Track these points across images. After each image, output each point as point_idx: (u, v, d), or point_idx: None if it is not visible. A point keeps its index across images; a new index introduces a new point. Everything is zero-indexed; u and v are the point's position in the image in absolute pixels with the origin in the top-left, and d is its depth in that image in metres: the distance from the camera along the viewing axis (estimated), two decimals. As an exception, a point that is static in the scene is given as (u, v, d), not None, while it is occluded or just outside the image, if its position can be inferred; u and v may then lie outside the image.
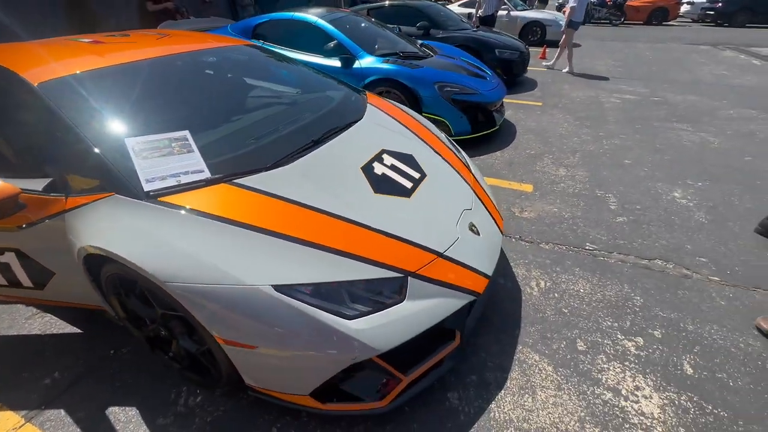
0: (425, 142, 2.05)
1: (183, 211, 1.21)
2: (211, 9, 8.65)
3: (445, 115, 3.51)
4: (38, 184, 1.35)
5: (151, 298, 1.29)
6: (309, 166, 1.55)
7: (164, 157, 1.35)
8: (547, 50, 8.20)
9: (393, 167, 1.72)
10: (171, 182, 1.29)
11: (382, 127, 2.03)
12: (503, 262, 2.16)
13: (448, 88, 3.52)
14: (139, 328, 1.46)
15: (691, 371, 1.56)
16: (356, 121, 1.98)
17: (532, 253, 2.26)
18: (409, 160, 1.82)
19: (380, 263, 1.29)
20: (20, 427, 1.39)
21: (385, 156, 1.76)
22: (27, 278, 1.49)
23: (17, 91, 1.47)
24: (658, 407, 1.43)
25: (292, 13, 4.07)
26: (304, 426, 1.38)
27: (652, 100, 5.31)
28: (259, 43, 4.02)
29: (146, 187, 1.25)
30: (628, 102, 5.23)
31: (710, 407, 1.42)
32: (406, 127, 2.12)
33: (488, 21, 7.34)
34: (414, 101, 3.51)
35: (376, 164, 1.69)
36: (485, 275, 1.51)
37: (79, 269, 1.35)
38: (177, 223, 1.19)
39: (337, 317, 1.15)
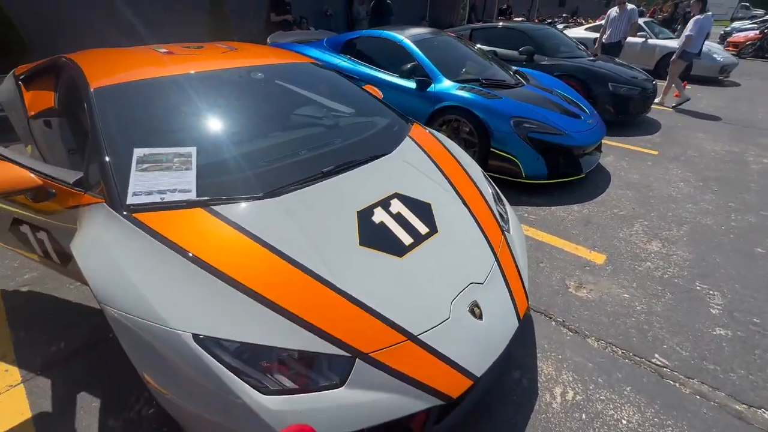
0: (456, 191, 1.77)
1: (145, 233, 1.20)
2: (331, 21, 9.39)
3: (516, 153, 3.10)
4: (74, 176, 1.50)
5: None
6: (299, 201, 1.43)
7: (162, 172, 1.38)
8: (687, 86, 6.86)
9: (398, 216, 1.50)
10: (155, 198, 1.30)
11: (410, 166, 1.81)
12: (526, 350, 1.75)
13: (527, 125, 3.10)
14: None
15: None
16: (383, 155, 1.81)
17: (571, 348, 1.79)
18: (423, 210, 1.58)
19: (327, 334, 1.10)
20: (15, 386, 1.56)
21: (394, 201, 1.56)
22: (55, 255, 1.68)
23: (83, 94, 1.67)
24: None
25: (381, 31, 4.09)
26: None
27: (830, 169, 3.96)
28: (344, 58, 4.13)
29: (129, 200, 1.28)
30: (788, 167, 3.99)
31: None
32: (440, 170, 1.86)
33: (612, 49, 6.42)
34: (485, 134, 3.18)
35: (378, 210, 1.49)
36: (471, 376, 1.20)
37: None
38: (135, 245, 1.18)
39: (253, 389, 1.00)
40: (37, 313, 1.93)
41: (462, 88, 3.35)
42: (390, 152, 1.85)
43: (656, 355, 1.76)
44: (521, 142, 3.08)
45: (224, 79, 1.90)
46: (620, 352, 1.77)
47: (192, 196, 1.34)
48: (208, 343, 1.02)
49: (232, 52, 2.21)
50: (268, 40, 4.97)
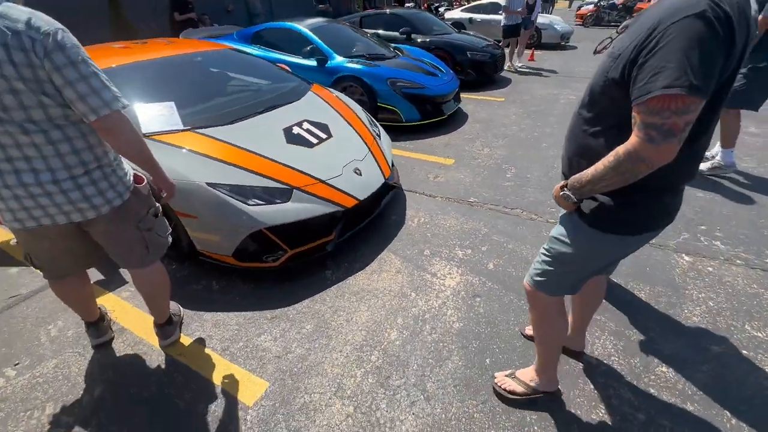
0: (345, 119, 2.90)
1: (164, 144, 2.13)
2: (231, 18, 9.86)
3: (396, 105, 4.33)
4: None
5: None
6: (248, 125, 2.44)
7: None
8: (535, 53, 8.83)
9: (307, 130, 2.59)
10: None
11: (312, 106, 2.90)
12: (399, 205, 2.97)
13: (400, 83, 4.34)
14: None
15: (492, 267, 2.32)
16: (294, 101, 2.86)
17: (426, 202, 3.05)
18: (323, 127, 2.68)
19: (276, 179, 2.16)
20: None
21: (304, 123, 2.63)
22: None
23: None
24: (454, 281, 2.21)
25: (282, 22, 5.02)
26: (231, 279, 2.26)
27: (607, 97, 5.87)
28: (256, 47, 5.00)
29: (144, 131, 2.18)
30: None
31: (489, 283, 2.19)
32: (333, 108, 2.98)
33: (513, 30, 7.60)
34: (371, 94, 4.35)
35: (295, 127, 2.56)
36: (356, 198, 2.34)
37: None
38: (162, 150, 2.10)
39: (243, 204, 2.03)
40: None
41: (351, 62, 4.48)
42: (298, 99, 2.91)
43: (471, 198, 3.10)
44: (398, 97, 4.31)
45: (182, 61, 2.79)
46: (453, 200, 3.08)
47: (180, 126, 2.27)
48: (214, 186, 2.01)
49: (173, 45, 3.05)
50: (180, 37, 5.58)
